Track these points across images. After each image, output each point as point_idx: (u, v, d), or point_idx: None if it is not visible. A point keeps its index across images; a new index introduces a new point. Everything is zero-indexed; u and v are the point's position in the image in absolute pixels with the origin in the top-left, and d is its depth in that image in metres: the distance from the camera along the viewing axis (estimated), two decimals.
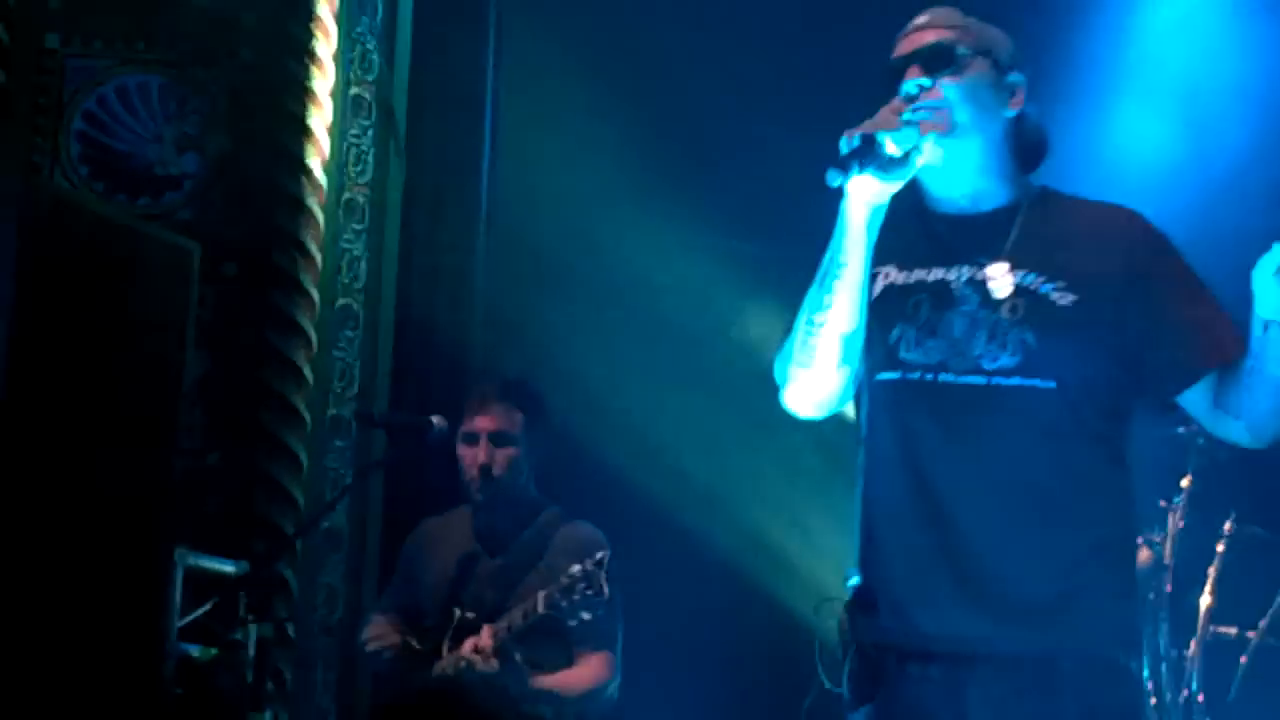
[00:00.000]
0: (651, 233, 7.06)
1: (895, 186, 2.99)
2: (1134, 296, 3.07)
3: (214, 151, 6.65)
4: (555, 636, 4.63)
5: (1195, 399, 3.10)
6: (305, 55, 6.62)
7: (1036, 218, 3.17)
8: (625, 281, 7.11)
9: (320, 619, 6.36)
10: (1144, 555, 7.08)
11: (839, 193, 3.00)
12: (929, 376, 3.07)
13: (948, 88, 3.11)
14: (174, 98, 6.68)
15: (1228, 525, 7.17)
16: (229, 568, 5.30)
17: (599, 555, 4.47)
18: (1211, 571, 7.11)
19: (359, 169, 6.86)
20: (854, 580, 3.10)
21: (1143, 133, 7.54)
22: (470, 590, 4.84)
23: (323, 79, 6.67)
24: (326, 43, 6.71)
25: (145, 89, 6.69)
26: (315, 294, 6.52)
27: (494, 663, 4.54)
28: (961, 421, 3.04)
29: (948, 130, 3.08)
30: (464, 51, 7.35)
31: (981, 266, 3.11)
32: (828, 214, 3.10)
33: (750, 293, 6.88)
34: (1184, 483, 7.10)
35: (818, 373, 3.12)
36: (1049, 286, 3.06)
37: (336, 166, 6.75)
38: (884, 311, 3.13)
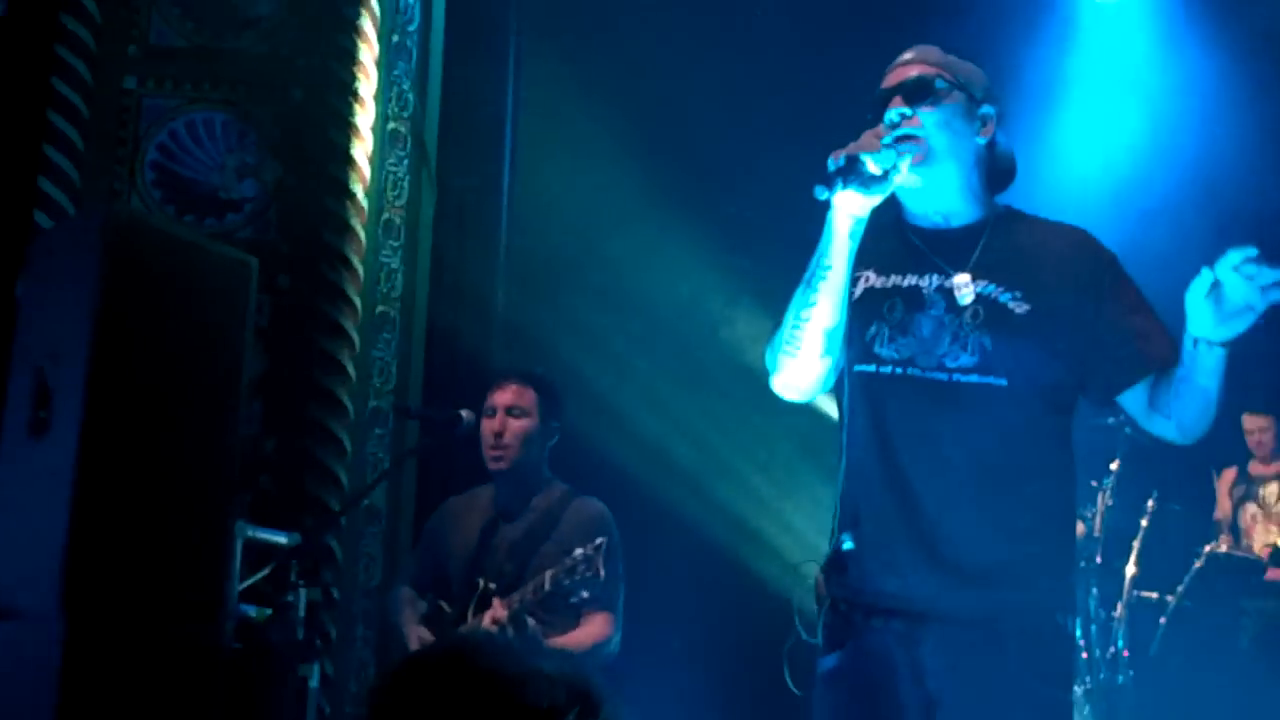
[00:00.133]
0: (652, 248, 7.07)
1: (875, 201, 2.99)
2: (1082, 307, 3.07)
3: (270, 178, 6.65)
4: (562, 605, 4.62)
5: (1133, 400, 3.11)
6: (349, 95, 6.62)
7: (1000, 235, 3.16)
8: (627, 289, 7.13)
9: (361, 584, 6.36)
10: (1078, 530, 7.09)
11: (822, 208, 3.01)
12: (899, 370, 3.08)
13: (926, 116, 3.11)
14: (235, 131, 6.68)
15: (1150, 503, 7.20)
16: (282, 539, 5.29)
17: (598, 541, 4.45)
18: (1136, 544, 7.13)
19: (395, 193, 6.86)
20: (848, 544, 3.09)
21: (1085, 157, 7.54)
22: (492, 562, 4.82)
23: (364, 115, 6.67)
24: (368, 84, 6.71)
25: (210, 124, 6.69)
26: (358, 302, 6.52)
27: (509, 631, 4.52)
28: (926, 410, 3.05)
29: (924, 155, 3.08)
30: (486, 92, 7.37)
31: (949, 276, 3.11)
32: (806, 231, 3.11)
33: (737, 299, 6.89)
34: (1112, 466, 7.12)
35: (802, 361, 3.12)
36: (1006, 296, 3.07)
37: (376, 191, 6.75)
38: (863, 311, 3.13)
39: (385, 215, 6.82)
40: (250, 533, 5.20)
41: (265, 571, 5.08)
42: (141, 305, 4.25)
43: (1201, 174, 7.71)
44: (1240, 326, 2.84)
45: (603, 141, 7.07)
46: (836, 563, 3.11)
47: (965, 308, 3.07)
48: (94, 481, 4.03)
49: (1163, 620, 6.94)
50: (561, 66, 7.36)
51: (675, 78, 7.40)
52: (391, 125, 6.92)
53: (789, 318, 3.10)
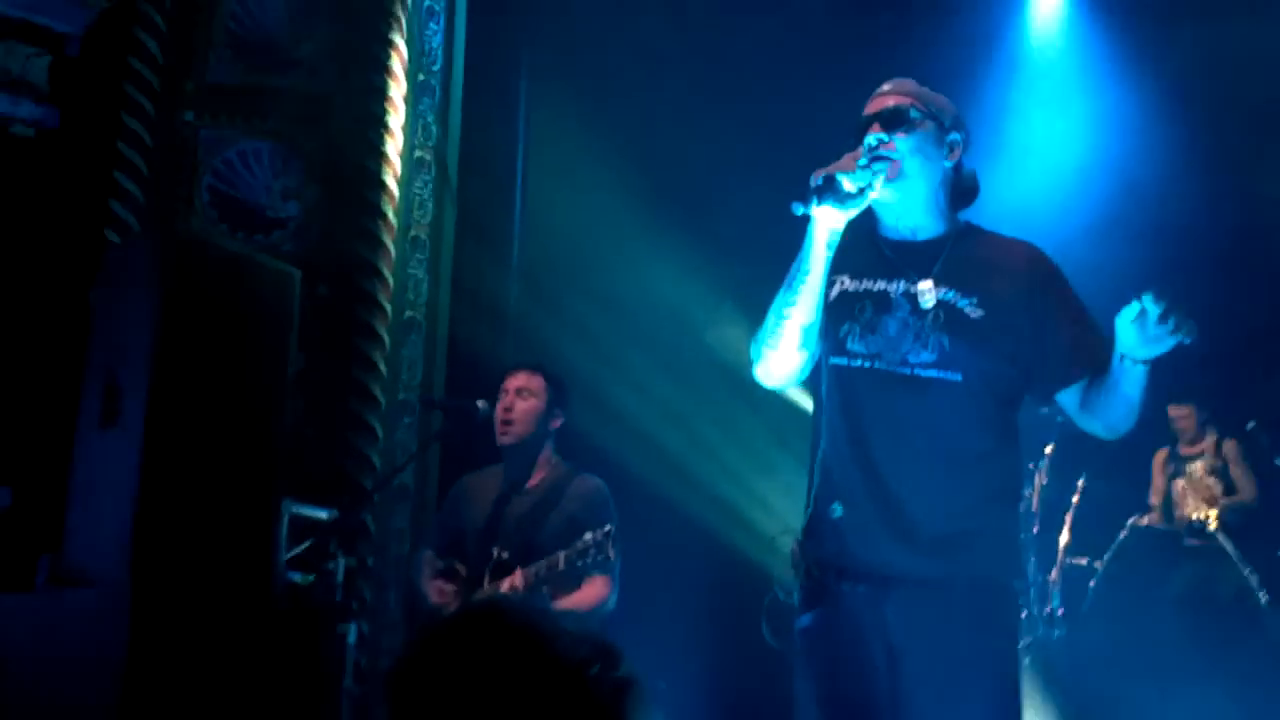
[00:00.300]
0: (645, 259, 7.05)
1: (851, 215, 3.00)
2: (1029, 314, 3.07)
3: (311, 199, 6.63)
4: (570, 574, 4.61)
5: (1068, 399, 3.11)
6: (381, 126, 6.61)
7: (960, 247, 3.16)
8: (623, 296, 7.11)
9: (393, 553, 6.35)
10: None
11: (795, 224, 3.02)
12: (867, 364, 3.08)
13: (900, 142, 3.11)
14: (280, 159, 6.66)
15: (1080, 482, 7.21)
16: (322, 515, 5.28)
17: (607, 527, 4.44)
18: (1068, 517, 7.14)
19: (421, 213, 6.85)
20: (838, 512, 3.09)
21: (1028, 179, 7.54)
22: (504, 532, 4.80)
23: (394, 144, 6.66)
24: (397, 116, 6.70)
25: (259, 152, 6.67)
26: (388, 308, 6.51)
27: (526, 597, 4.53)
28: (891, 400, 3.05)
29: (896, 175, 3.08)
30: (501, 124, 7.37)
31: (914, 282, 3.11)
32: (781, 245, 3.11)
33: (720, 304, 6.88)
34: (1047, 450, 7.13)
35: (781, 354, 3.13)
36: (964, 302, 3.06)
37: (404, 211, 6.74)
38: (837, 311, 3.13)
39: (412, 232, 6.81)
40: (294, 509, 5.18)
41: (308, 543, 5.07)
42: (198, 311, 4.24)
43: (1131, 191, 7.71)
44: (1159, 350, 2.86)
45: (603, 167, 7.06)
46: (814, 530, 3.11)
47: (927, 311, 3.07)
48: (157, 466, 4.02)
49: (1092, 583, 6.95)
50: (566, 102, 7.35)
51: (667, 110, 7.39)
52: (418, 153, 6.91)
53: (771, 315, 3.11)
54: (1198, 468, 7.51)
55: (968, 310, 3.05)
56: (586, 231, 7.16)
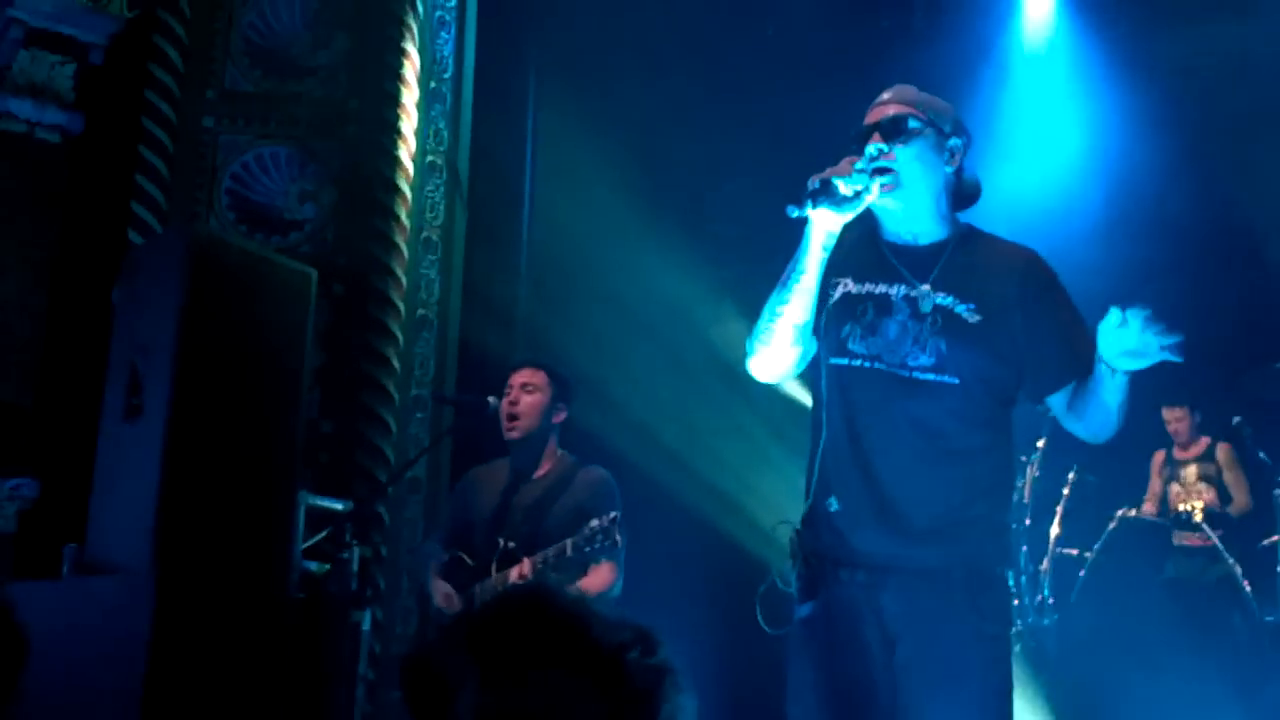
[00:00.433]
0: (651, 261, 7.05)
1: (847, 218, 2.99)
2: (1023, 317, 3.05)
3: (327, 202, 6.65)
4: (577, 561, 4.60)
5: (1056, 401, 3.10)
6: (394, 132, 6.63)
7: (960, 252, 3.13)
8: (628, 295, 7.11)
9: (406, 543, 6.36)
10: None
11: (793, 227, 3.01)
12: (867, 365, 3.06)
13: (899, 151, 3.08)
14: (297, 163, 6.68)
15: (1071, 475, 7.19)
16: (338, 506, 5.28)
17: (613, 514, 4.43)
18: (1059, 509, 7.13)
19: (433, 215, 6.86)
20: (834, 505, 3.08)
21: (1020, 184, 7.53)
22: (511, 523, 4.79)
23: (407, 149, 6.67)
24: (409, 122, 6.71)
25: (276, 156, 6.69)
26: (401, 307, 6.53)
27: None
28: (888, 401, 3.03)
29: (895, 185, 3.07)
30: (510, 129, 7.38)
31: (915, 287, 3.08)
32: (779, 247, 3.11)
33: (721, 305, 6.88)
34: (1039, 444, 7.12)
35: (774, 350, 3.13)
36: (962, 307, 3.04)
37: (416, 213, 6.76)
38: (840, 312, 3.11)
39: (424, 233, 6.82)
40: (311, 501, 5.19)
41: (324, 533, 5.07)
42: (219, 309, 4.24)
43: (1122, 194, 7.72)
44: (1140, 364, 2.84)
45: (608, 171, 7.07)
46: (812, 522, 3.11)
47: (926, 315, 3.05)
48: (180, 458, 4.03)
49: (1081, 573, 6.94)
50: (573, 108, 7.35)
51: (672, 114, 7.40)
52: (430, 157, 6.92)
53: (765, 313, 3.10)
54: (1190, 472, 7.49)
55: (965, 315, 3.04)
56: (594, 232, 7.16)
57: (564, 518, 4.69)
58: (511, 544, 4.69)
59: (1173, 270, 7.08)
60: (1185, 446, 7.56)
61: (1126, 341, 2.80)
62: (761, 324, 3.12)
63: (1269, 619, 6.51)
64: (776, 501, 6.46)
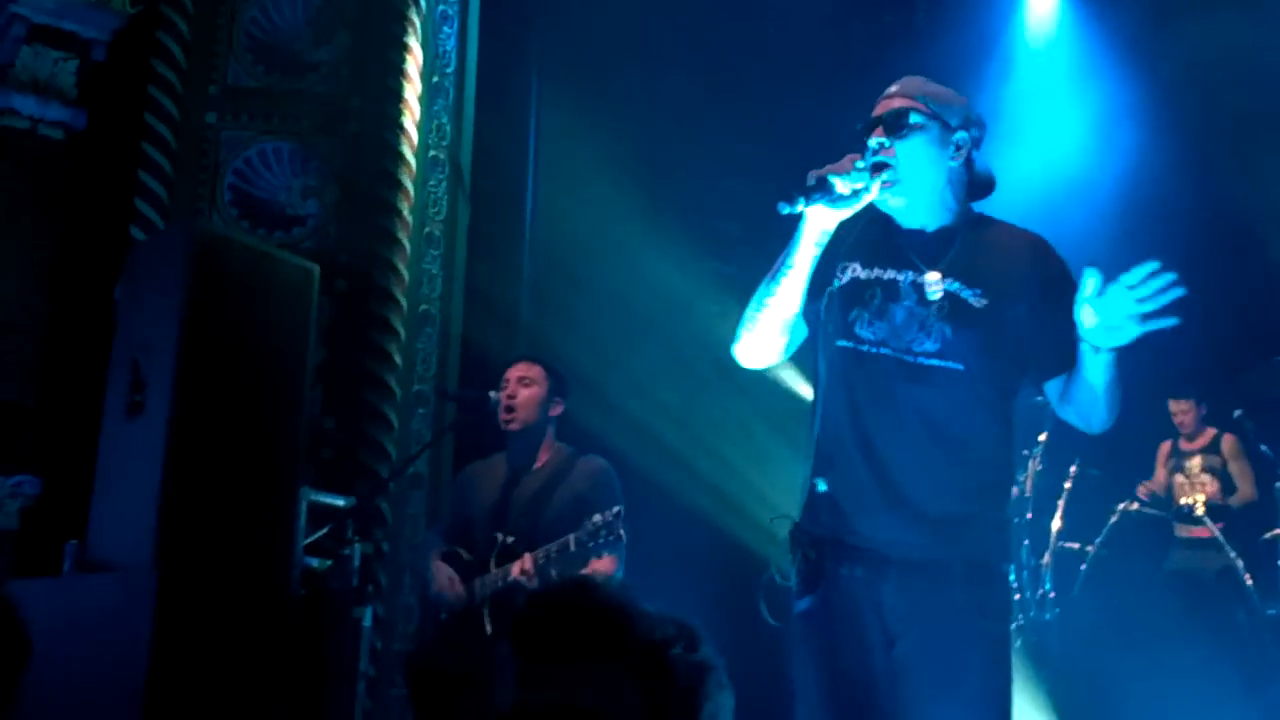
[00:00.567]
0: (652, 255, 7.06)
1: (843, 215, 2.98)
2: (1028, 302, 3.04)
3: (329, 198, 6.64)
4: (580, 555, 4.59)
5: (1053, 389, 3.08)
6: (397, 127, 6.62)
7: (969, 240, 3.11)
8: (630, 290, 7.11)
9: (407, 539, 6.35)
10: (1011, 492, 7.08)
11: (793, 222, 3.00)
12: (873, 350, 3.05)
13: (900, 147, 3.07)
14: (300, 158, 6.67)
15: (1072, 469, 7.19)
16: (340, 502, 5.27)
17: (616, 509, 4.42)
18: (1060, 503, 7.12)
19: (435, 210, 6.85)
20: (821, 486, 3.07)
21: (1023, 175, 7.52)
22: (512, 515, 4.79)
23: (409, 144, 6.66)
24: (411, 118, 6.70)
25: (279, 152, 6.68)
26: (404, 302, 6.52)
27: (535, 580, 4.50)
28: (893, 386, 3.02)
29: (895, 181, 3.06)
30: (512, 124, 7.38)
31: (922, 273, 3.07)
32: (780, 243, 3.09)
33: (723, 302, 6.86)
34: (1041, 438, 7.11)
35: (760, 338, 3.14)
36: (968, 293, 3.03)
37: (419, 208, 6.74)
38: (848, 296, 3.10)
39: (427, 229, 6.81)
40: (313, 497, 5.17)
41: (326, 529, 5.06)
42: (221, 305, 4.24)
43: (1125, 187, 7.71)
44: (1120, 339, 2.82)
45: (610, 165, 7.07)
46: (811, 507, 3.10)
47: (933, 301, 3.04)
48: (181, 455, 4.02)
49: (1083, 567, 6.94)
50: (575, 103, 7.35)
51: (672, 113, 7.40)
52: (432, 153, 6.91)
53: (753, 302, 3.11)
54: (1195, 463, 7.48)
55: (971, 300, 3.03)
56: (595, 226, 7.16)
57: (563, 509, 4.69)
58: (510, 539, 4.69)
59: (1176, 265, 7.05)
60: (1191, 438, 7.56)
61: (1106, 315, 2.79)
62: (749, 312, 3.12)
63: (1271, 612, 6.50)
64: (776, 497, 6.46)
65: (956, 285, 3.04)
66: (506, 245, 7.22)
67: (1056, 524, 7.04)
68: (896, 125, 3.10)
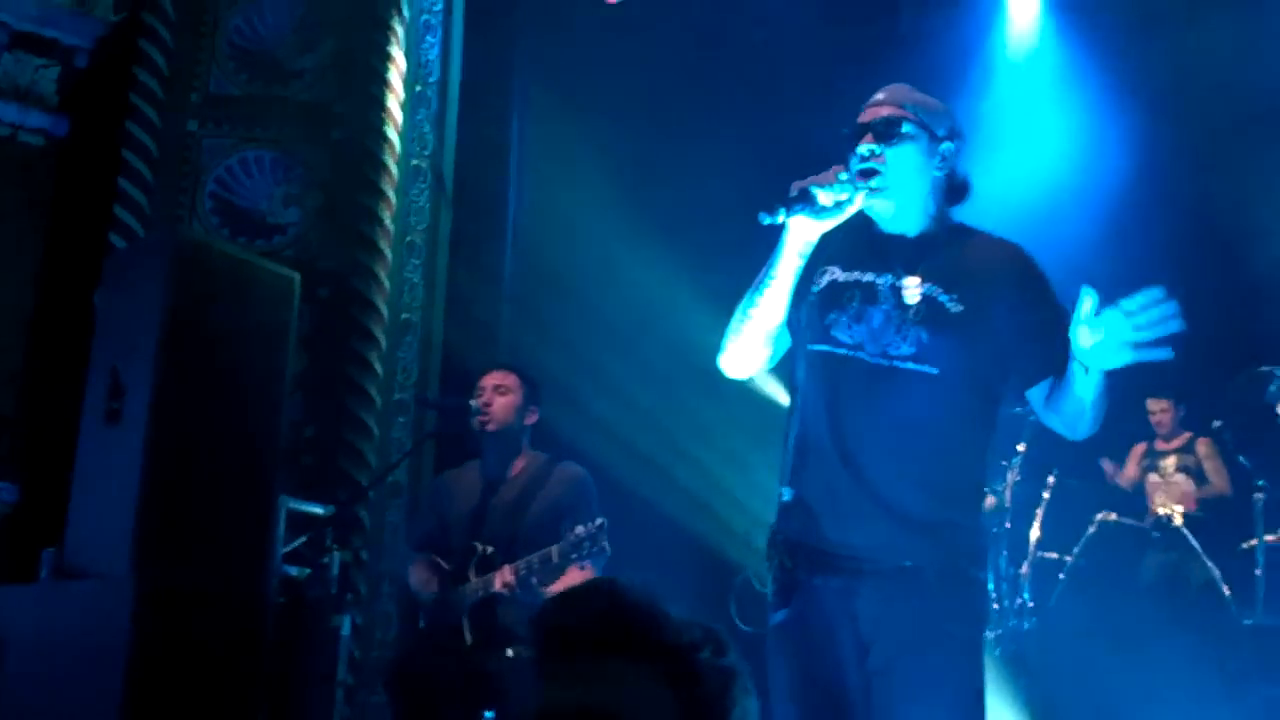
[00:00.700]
0: (634, 267, 7.06)
1: (826, 226, 2.99)
2: (1007, 311, 3.03)
3: (311, 206, 6.65)
4: (562, 567, 4.59)
5: (1036, 396, 3.07)
6: (379, 136, 6.63)
7: (949, 247, 3.11)
8: (612, 299, 7.12)
9: (387, 547, 6.35)
10: (989, 501, 7.10)
11: (776, 232, 3.01)
12: (850, 353, 3.05)
13: (890, 155, 3.07)
14: (281, 166, 6.68)
15: (1050, 479, 7.21)
16: (319, 510, 5.29)
17: (599, 521, 4.43)
18: (1039, 512, 7.14)
19: (417, 219, 6.87)
20: (786, 495, 3.08)
21: (1002, 187, 7.55)
22: (490, 523, 4.79)
23: (391, 153, 6.68)
24: (394, 127, 6.72)
25: (260, 160, 6.69)
26: (385, 310, 6.52)
27: (518, 592, 4.51)
28: (869, 390, 3.01)
29: (883, 189, 3.07)
30: (495, 134, 7.38)
31: (901, 277, 3.07)
32: (762, 253, 3.11)
33: (702, 311, 6.88)
34: (1020, 448, 7.14)
35: (743, 348, 3.14)
36: (945, 298, 3.02)
37: (401, 217, 6.76)
38: (826, 299, 3.10)
39: (409, 238, 6.83)
40: (292, 505, 5.20)
41: (304, 538, 5.08)
42: (201, 313, 4.24)
43: (1107, 196, 7.73)
44: (1112, 363, 2.80)
45: (593, 174, 7.08)
46: (786, 512, 3.10)
47: (910, 305, 3.03)
48: (160, 463, 4.03)
49: (1061, 576, 6.95)
50: (559, 113, 7.36)
51: (656, 122, 7.41)
52: (415, 162, 6.93)
53: (738, 312, 3.12)
54: (1169, 464, 7.51)
55: (948, 306, 3.03)
56: (578, 236, 7.17)
57: (541, 517, 4.70)
58: (489, 549, 4.69)
59: (1158, 272, 7.09)
60: (1167, 439, 7.59)
61: (1099, 337, 2.77)
62: (733, 323, 3.13)
63: (1247, 622, 6.53)
64: (752, 504, 6.48)
65: (934, 290, 3.05)
66: (488, 254, 7.23)
67: (1035, 533, 7.06)
68: (888, 133, 3.10)
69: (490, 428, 4.86)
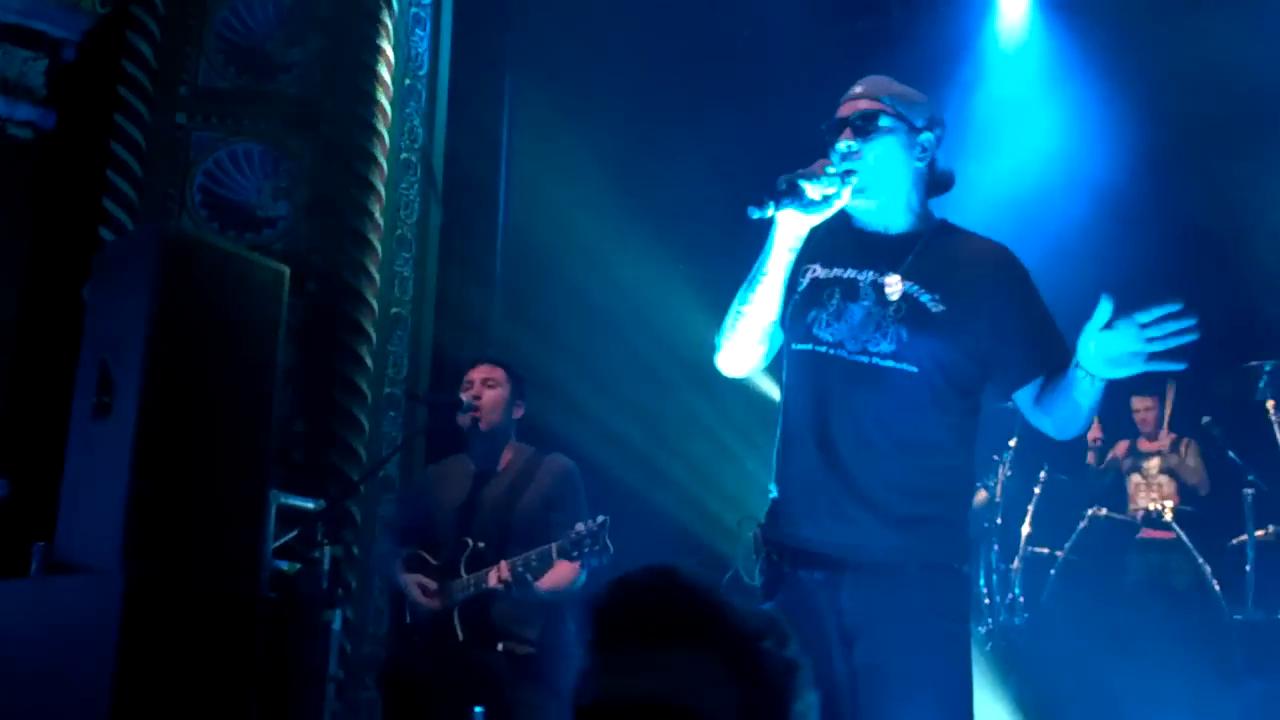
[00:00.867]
0: (623, 261, 7.07)
1: (814, 220, 2.99)
2: (989, 311, 3.03)
3: (300, 199, 6.63)
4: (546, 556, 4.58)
5: (1023, 396, 3.07)
6: (369, 129, 6.62)
7: (931, 245, 3.11)
8: (601, 295, 7.13)
9: (378, 542, 6.35)
10: (981, 496, 7.13)
11: (763, 227, 3.01)
12: (831, 351, 3.05)
13: (869, 149, 3.07)
14: (271, 160, 6.66)
15: (1042, 474, 7.24)
16: (310, 505, 5.28)
17: (601, 519, 4.42)
18: (1030, 508, 7.17)
19: (407, 212, 6.86)
20: (773, 493, 3.09)
21: (991, 180, 7.55)
22: (481, 518, 4.79)
23: (381, 146, 6.67)
24: (384, 120, 6.71)
25: (250, 153, 6.67)
26: (375, 304, 6.52)
27: (513, 589, 4.50)
28: (851, 388, 3.02)
29: (865, 184, 3.07)
30: (485, 127, 7.39)
31: (882, 274, 3.07)
32: (752, 247, 3.11)
33: (690, 307, 6.89)
34: (1011, 443, 7.16)
35: (738, 346, 3.14)
36: (927, 297, 3.03)
37: (391, 210, 6.75)
38: (807, 298, 3.11)
39: (399, 231, 6.82)
40: (282, 499, 5.19)
41: (295, 532, 5.07)
42: (190, 307, 4.24)
43: (1095, 194, 7.75)
44: (1121, 373, 2.80)
45: (582, 168, 7.09)
46: (773, 510, 3.11)
47: (891, 303, 3.04)
48: (149, 457, 4.02)
49: (1052, 572, 6.98)
50: (549, 107, 7.38)
51: (646, 117, 7.42)
52: (404, 155, 6.92)
53: (731, 311, 3.12)
54: (1153, 464, 7.53)
55: (929, 304, 3.03)
56: (567, 228, 7.18)
57: (532, 511, 4.71)
58: (481, 544, 4.68)
59: (1148, 268, 7.12)
60: (1151, 438, 7.60)
61: (1111, 348, 2.76)
62: (728, 321, 3.13)
63: (1238, 618, 6.55)
64: (741, 498, 6.49)
65: (915, 289, 3.05)
66: (478, 248, 7.23)
67: (1026, 529, 7.09)
68: (865, 128, 3.10)
69: (480, 424, 4.86)
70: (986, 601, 6.91)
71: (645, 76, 7.48)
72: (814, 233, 3.05)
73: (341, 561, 5.71)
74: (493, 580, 4.51)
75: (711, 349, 3.23)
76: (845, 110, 3.14)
